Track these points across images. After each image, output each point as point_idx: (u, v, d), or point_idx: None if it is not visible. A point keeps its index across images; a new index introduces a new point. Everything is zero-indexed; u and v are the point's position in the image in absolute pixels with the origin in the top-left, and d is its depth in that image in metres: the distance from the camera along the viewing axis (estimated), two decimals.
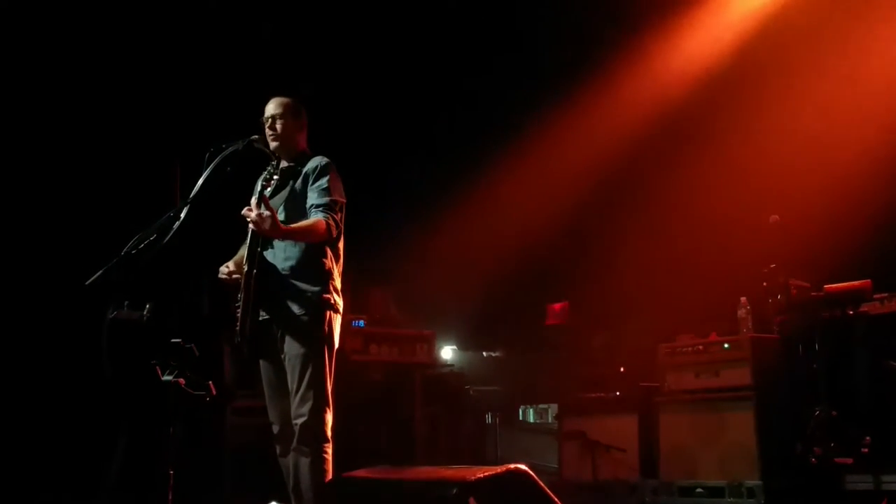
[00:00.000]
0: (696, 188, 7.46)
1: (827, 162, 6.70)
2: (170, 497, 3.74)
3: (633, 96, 7.94)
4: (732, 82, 7.47)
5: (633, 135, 7.93)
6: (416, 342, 6.84)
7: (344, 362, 6.22)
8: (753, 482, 5.51)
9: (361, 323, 6.63)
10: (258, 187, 4.36)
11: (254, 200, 4.24)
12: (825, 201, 6.52)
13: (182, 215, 4.13)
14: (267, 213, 4.11)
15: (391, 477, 3.40)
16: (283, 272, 4.40)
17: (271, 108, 4.55)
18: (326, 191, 4.42)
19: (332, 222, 4.34)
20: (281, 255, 4.42)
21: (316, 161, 4.53)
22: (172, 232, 4.10)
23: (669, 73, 7.83)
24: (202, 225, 4.26)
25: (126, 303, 4.07)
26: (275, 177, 4.32)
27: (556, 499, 3.25)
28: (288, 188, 4.48)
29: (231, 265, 4.51)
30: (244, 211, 4.23)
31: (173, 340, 4.33)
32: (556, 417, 7.15)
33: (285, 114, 4.53)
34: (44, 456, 5.43)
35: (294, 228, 4.32)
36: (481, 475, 3.10)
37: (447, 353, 9.09)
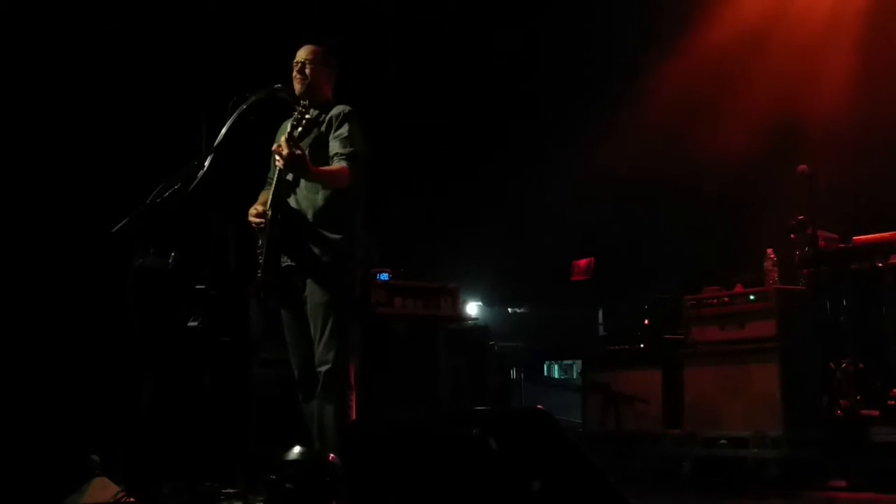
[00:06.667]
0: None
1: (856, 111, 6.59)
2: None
3: None
4: None
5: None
6: (440, 295, 6.80)
7: (368, 315, 6.28)
8: (777, 433, 5.48)
9: (386, 276, 6.62)
10: (287, 128, 4.37)
11: (283, 139, 4.26)
12: (856, 150, 6.42)
13: (206, 164, 4.15)
14: (299, 151, 4.18)
15: (413, 418, 3.43)
16: (307, 219, 4.41)
17: (302, 53, 4.59)
18: (348, 140, 4.44)
19: (353, 172, 4.38)
20: (304, 202, 4.44)
21: (339, 109, 4.54)
22: (197, 180, 4.12)
23: None
24: (227, 175, 4.27)
25: (151, 250, 4.11)
26: (307, 116, 4.33)
27: (574, 441, 3.25)
28: (312, 136, 4.49)
29: (259, 207, 4.52)
30: (274, 147, 4.29)
31: (198, 287, 4.38)
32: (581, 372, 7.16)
33: (315, 60, 4.56)
34: (69, 403, 5.50)
35: (322, 170, 4.38)
36: (501, 415, 3.11)
37: (472, 309, 9.13)
